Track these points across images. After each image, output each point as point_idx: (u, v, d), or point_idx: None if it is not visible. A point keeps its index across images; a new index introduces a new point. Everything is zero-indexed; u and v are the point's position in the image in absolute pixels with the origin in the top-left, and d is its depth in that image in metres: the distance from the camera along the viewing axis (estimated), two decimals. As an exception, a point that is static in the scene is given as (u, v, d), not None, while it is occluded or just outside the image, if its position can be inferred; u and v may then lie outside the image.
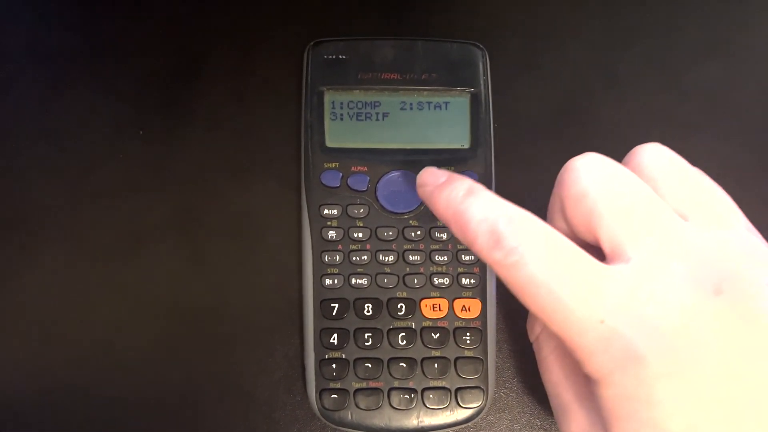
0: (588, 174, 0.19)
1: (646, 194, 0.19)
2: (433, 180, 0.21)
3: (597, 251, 0.19)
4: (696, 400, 0.17)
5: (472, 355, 0.25)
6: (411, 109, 0.27)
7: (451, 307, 0.26)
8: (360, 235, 0.26)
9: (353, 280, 0.26)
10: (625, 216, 0.18)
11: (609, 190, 0.19)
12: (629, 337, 0.17)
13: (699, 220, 0.19)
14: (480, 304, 0.26)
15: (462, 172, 0.27)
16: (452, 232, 0.20)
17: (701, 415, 0.17)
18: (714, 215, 0.19)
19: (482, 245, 0.19)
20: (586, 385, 0.20)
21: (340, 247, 0.26)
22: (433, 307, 0.26)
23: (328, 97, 0.27)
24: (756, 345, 0.17)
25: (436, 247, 0.26)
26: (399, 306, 0.26)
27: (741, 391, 0.17)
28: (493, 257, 0.18)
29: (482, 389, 0.25)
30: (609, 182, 0.19)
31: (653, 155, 0.20)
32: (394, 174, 0.26)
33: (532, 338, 0.23)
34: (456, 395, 0.25)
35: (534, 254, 0.18)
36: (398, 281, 0.26)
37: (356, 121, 0.27)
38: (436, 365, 0.25)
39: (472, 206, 0.19)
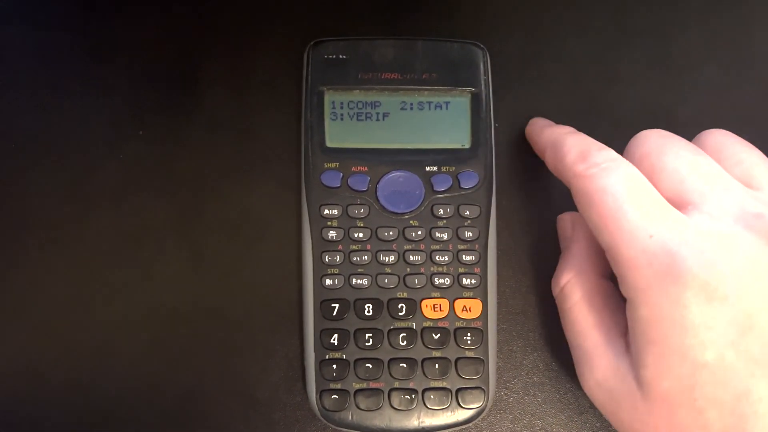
0: (657, 137, 0.22)
1: (708, 159, 0.21)
2: (543, 123, 0.27)
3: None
4: (731, 336, 0.17)
5: (473, 355, 0.25)
6: (411, 109, 0.27)
7: (451, 308, 0.26)
8: (360, 235, 0.26)
9: (353, 281, 0.26)
10: (692, 171, 0.20)
11: (677, 149, 0.21)
12: (673, 254, 0.18)
13: (760, 185, 0.21)
14: (481, 304, 0.26)
15: (462, 172, 0.26)
16: (546, 158, 0.24)
17: (734, 353, 0.17)
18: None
19: (571, 160, 0.22)
20: (613, 327, 0.22)
21: (340, 247, 0.26)
22: (434, 308, 0.26)
23: (328, 97, 0.27)
24: None
25: (437, 247, 0.26)
26: (399, 306, 0.25)
27: None
28: (576, 168, 0.21)
29: (483, 390, 0.25)
30: (677, 144, 0.22)
31: (721, 132, 0.23)
32: (395, 174, 0.26)
33: (556, 291, 0.24)
34: (457, 396, 0.25)
35: (614, 170, 0.20)
36: (399, 281, 0.26)
37: (356, 121, 0.27)
38: (436, 366, 0.25)
39: (572, 137, 0.23)
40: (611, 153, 0.21)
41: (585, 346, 0.22)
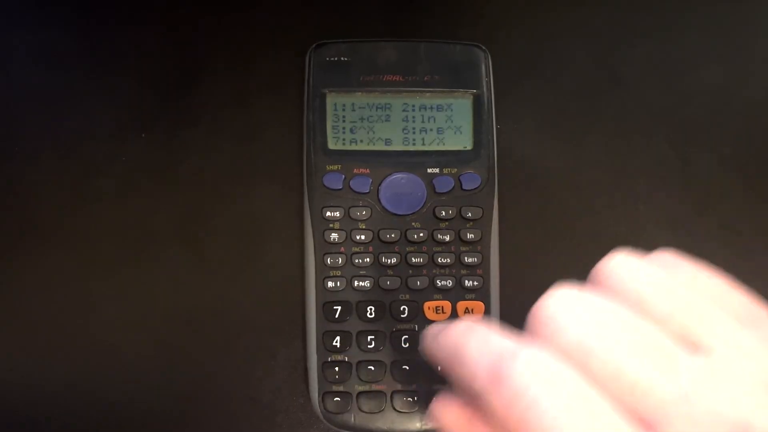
0: (633, 274, 0.16)
1: (652, 336, 0.15)
2: (433, 331, 0.18)
3: None
4: None
5: (476, 357, 0.25)
6: (413, 110, 0.27)
7: (454, 310, 0.26)
8: (362, 237, 0.26)
9: (356, 283, 0.26)
10: (639, 373, 0.15)
11: (605, 342, 0.15)
12: None
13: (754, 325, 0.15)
14: (483, 306, 0.26)
15: (464, 173, 0.26)
16: (451, 377, 0.17)
17: None
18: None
19: (481, 384, 0.15)
20: None
21: (342, 249, 0.26)
22: (436, 310, 0.25)
23: (331, 100, 0.27)
24: None
25: (439, 249, 0.26)
26: (402, 308, 0.25)
27: None
28: (500, 397, 0.15)
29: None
30: (601, 329, 0.15)
31: (626, 272, 0.16)
32: (397, 176, 0.26)
33: None
34: (459, 398, 0.25)
35: (553, 396, 0.14)
36: (401, 283, 0.26)
37: (358, 123, 0.27)
38: (439, 368, 0.25)
39: (472, 339, 0.16)
40: (532, 359, 0.15)
41: None
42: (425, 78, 0.28)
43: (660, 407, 0.14)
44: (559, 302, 0.16)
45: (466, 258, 0.26)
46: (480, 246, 0.26)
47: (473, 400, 0.16)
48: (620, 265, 0.16)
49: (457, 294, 0.26)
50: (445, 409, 0.18)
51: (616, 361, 0.15)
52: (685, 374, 0.15)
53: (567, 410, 0.14)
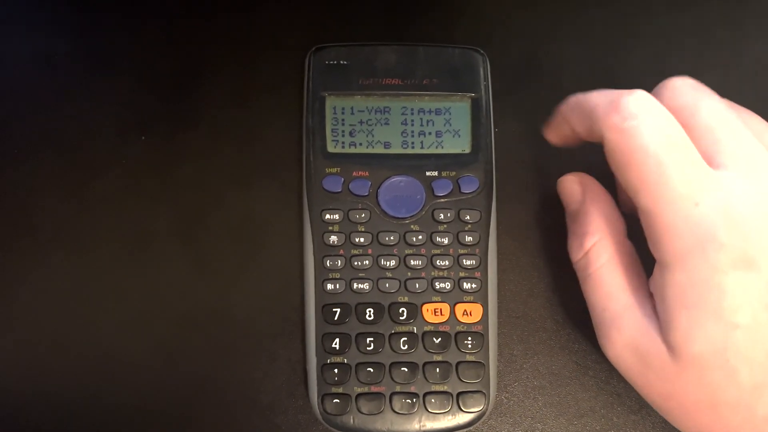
0: (691, 91, 0.21)
1: (740, 122, 0.21)
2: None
3: None
4: (764, 294, 0.18)
5: (474, 359, 0.25)
6: (412, 114, 0.28)
7: (452, 312, 0.26)
8: (361, 239, 0.26)
9: (355, 285, 0.26)
10: (726, 133, 0.20)
11: (711, 108, 0.21)
12: (716, 224, 0.19)
13: None
14: (481, 308, 0.26)
15: (463, 176, 0.27)
16: (574, 123, 0.23)
17: (765, 311, 0.18)
18: None
19: (603, 111, 0.20)
20: (640, 288, 0.22)
21: (341, 251, 0.26)
22: (435, 312, 0.26)
23: (330, 103, 0.28)
24: None
25: (438, 251, 0.26)
26: (400, 311, 0.26)
27: None
28: (610, 120, 0.20)
29: (484, 393, 0.25)
30: (711, 101, 0.21)
31: (731, 104, 0.23)
32: (396, 179, 0.27)
33: (579, 255, 0.24)
34: (457, 399, 0.25)
35: (651, 125, 0.19)
36: (400, 286, 0.26)
37: (358, 126, 0.27)
38: (437, 370, 0.25)
39: (595, 92, 0.22)
40: (644, 99, 0.20)
41: (613, 308, 0.22)
42: (424, 81, 0.28)
43: (733, 160, 0.20)
44: (681, 79, 0.22)
45: (464, 261, 0.26)
46: (478, 249, 0.26)
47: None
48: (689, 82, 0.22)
49: (455, 296, 0.26)
50: (571, 175, 0.26)
51: (710, 121, 0.20)
52: (760, 155, 0.20)
53: (659, 135, 0.19)
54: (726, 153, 0.20)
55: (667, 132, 0.20)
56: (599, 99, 0.21)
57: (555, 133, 0.25)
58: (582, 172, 0.25)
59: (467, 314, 0.26)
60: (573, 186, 0.25)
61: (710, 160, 0.20)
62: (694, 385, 0.20)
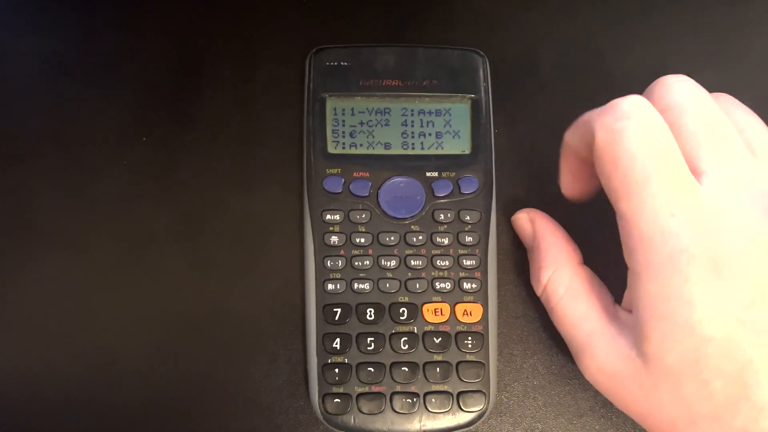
0: (682, 91, 0.21)
1: (728, 124, 0.21)
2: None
3: None
4: (736, 311, 0.18)
5: (474, 359, 0.26)
6: (412, 115, 0.28)
7: (452, 312, 0.26)
8: (362, 240, 0.26)
9: (355, 285, 0.26)
10: (710, 137, 0.20)
11: (699, 110, 0.21)
12: (691, 236, 0.19)
13: (764, 156, 0.21)
14: (481, 308, 0.26)
15: (463, 177, 0.27)
16: (576, 139, 0.23)
17: (738, 327, 0.18)
18: None
19: (597, 111, 0.21)
20: (603, 312, 0.22)
21: (342, 252, 0.26)
22: (435, 312, 0.26)
23: (330, 104, 0.28)
24: None
25: (438, 252, 0.26)
26: (401, 311, 0.26)
27: None
28: (603, 120, 0.20)
29: (484, 393, 0.25)
30: (700, 103, 0.21)
31: (725, 97, 0.23)
32: (396, 179, 0.27)
33: (539, 290, 0.24)
34: (458, 399, 0.25)
35: (642, 128, 0.19)
36: (400, 286, 0.26)
37: (358, 127, 0.27)
38: (438, 369, 0.25)
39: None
40: (638, 102, 0.20)
41: (580, 336, 0.22)
42: (424, 83, 0.28)
43: (714, 167, 0.20)
44: (674, 77, 0.22)
45: (464, 261, 0.26)
46: (478, 249, 0.26)
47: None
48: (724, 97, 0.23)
49: (455, 296, 0.26)
50: (521, 213, 0.26)
51: (696, 125, 0.20)
52: (743, 160, 0.20)
53: (647, 141, 0.19)
54: (708, 159, 0.20)
55: (656, 138, 0.20)
56: (595, 110, 0.21)
57: (568, 175, 0.25)
58: (532, 209, 0.27)
59: (467, 314, 0.26)
60: (523, 223, 0.26)
61: (693, 165, 0.20)
62: (669, 399, 0.19)
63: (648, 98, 0.21)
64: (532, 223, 0.26)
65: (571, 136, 0.24)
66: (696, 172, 0.20)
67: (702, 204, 0.19)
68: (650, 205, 0.19)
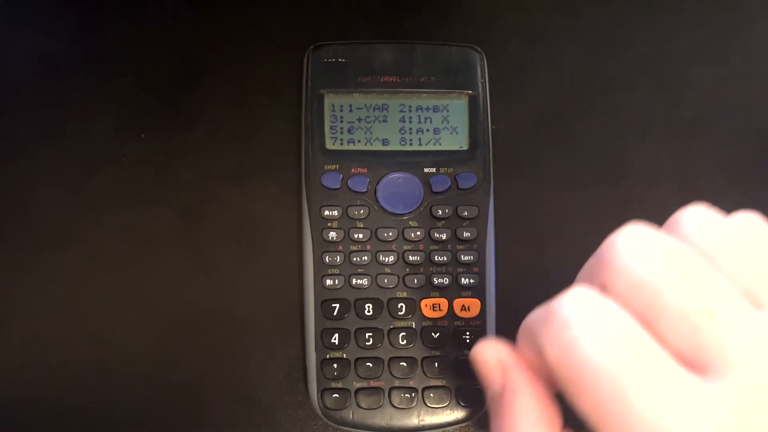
0: (641, 258, 0.15)
1: (723, 284, 0.15)
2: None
3: None
4: None
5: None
6: (410, 111, 0.28)
7: (450, 307, 0.26)
8: (360, 235, 0.26)
9: (354, 281, 0.26)
10: (705, 316, 0.14)
11: (676, 280, 0.15)
12: None
13: None
14: (479, 303, 0.26)
15: (461, 173, 0.27)
16: (527, 351, 0.17)
17: None
18: None
19: (537, 325, 0.16)
20: None
21: (340, 247, 0.26)
22: (433, 307, 0.26)
23: (328, 100, 0.28)
24: None
25: (436, 247, 0.26)
26: (399, 306, 0.26)
27: None
28: (547, 335, 0.15)
29: (482, 388, 0.25)
30: (673, 268, 0.15)
31: (701, 222, 0.16)
32: (394, 175, 0.27)
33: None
34: (456, 394, 0.25)
35: (593, 330, 0.14)
36: (398, 281, 0.26)
37: (356, 123, 0.28)
38: (436, 364, 0.25)
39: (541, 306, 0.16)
40: (580, 297, 0.15)
41: None
42: (422, 79, 0.28)
43: (720, 355, 0.14)
44: (631, 237, 0.15)
45: (462, 256, 0.26)
46: (476, 244, 0.26)
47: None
48: (697, 215, 0.16)
49: (453, 291, 0.26)
50: (489, 349, 0.18)
51: (682, 301, 0.14)
52: (751, 326, 0.14)
53: (609, 347, 0.14)
54: (710, 349, 0.14)
55: (619, 338, 0.14)
56: (538, 311, 0.16)
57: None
58: (503, 344, 0.18)
59: (465, 309, 0.26)
60: (490, 369, 0.18)
61: (691, 360, 0.14)
62: None
63: (607, 275, 0.15)
64: (503, 372, 0.18)
65: (520, 345, 0.18)
66: (699, 366, 0.14)
67: (711, 417, 0.14)
68: (637, 423, 0.14)
